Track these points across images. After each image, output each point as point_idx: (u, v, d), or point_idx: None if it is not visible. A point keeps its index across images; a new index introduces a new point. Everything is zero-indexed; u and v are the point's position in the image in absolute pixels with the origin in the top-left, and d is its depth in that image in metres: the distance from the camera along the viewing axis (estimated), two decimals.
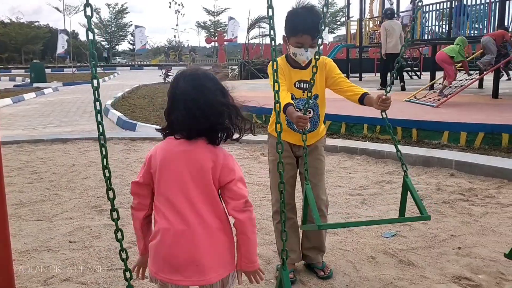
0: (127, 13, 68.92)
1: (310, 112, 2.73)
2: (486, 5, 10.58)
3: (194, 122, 1.65)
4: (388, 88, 2.37)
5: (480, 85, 12.68)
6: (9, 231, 1.77)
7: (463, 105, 8.90)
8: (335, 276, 2.83)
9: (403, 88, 12.25)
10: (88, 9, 1.46)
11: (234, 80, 22.14)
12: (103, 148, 1.52)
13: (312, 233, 2.87)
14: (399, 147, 2.45)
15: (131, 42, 65.70)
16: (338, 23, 59.98)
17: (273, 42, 1.70)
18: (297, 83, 2.75)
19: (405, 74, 18.72)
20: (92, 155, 6.38)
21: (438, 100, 9.02)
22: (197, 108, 1.66)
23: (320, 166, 2.87)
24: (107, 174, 1.53)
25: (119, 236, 1.55)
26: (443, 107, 8.58)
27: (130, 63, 60.62)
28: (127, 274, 1.56)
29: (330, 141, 6.27)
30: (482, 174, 4.78)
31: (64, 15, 44.92)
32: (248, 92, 13.36)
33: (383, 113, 2.43)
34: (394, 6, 16.73)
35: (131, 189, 1.75)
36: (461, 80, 10.13)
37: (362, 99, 2.63)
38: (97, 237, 3.44)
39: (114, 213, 1.54)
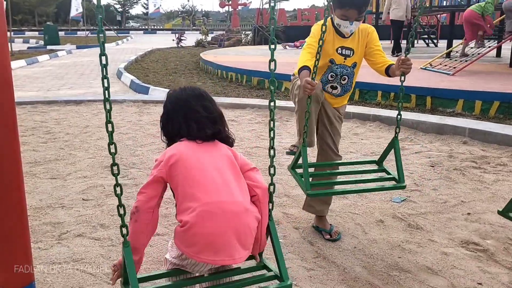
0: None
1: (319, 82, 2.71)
2: None
3: (211, 127, 1.81)
4: (406, 52, 2.35)
5: (498, 54, 12.43)
6: (24, 187, 1.81)
7: (479, 73, 8.74)
8: (344, 238, 2.86)
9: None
10: None
11: (247, 45, 21.94)
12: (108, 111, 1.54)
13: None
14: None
15: (144, 6, 65.12)
16: None
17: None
18: (339, 49, 2.72)
19: (421, 41, 18.45)
20: (105, 116, 6.41)
21: (454, 68, 8.87)
22: (210, 113, 1.83)
23: (336, 130, 2.89)
24: (110, 129, 1.55)
25: (118, 191, 1.56)
26: (459, 75, 8.44)
27: (143, 27, 60.22)
28: (124, 230, 1.58)
29: None
30: (496, 142, 4.74)
31: None
32: (261, 58, 13.26)
33: (402, 77, 2.40)
34: None
35: (147, 191, 1.69)
36: (478, 48, 9.93)
37: (388, 70, 2.64)
38: (109, 195, 3.49)
39: (115, 168, 1.54)
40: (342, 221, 3.11)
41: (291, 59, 12.05)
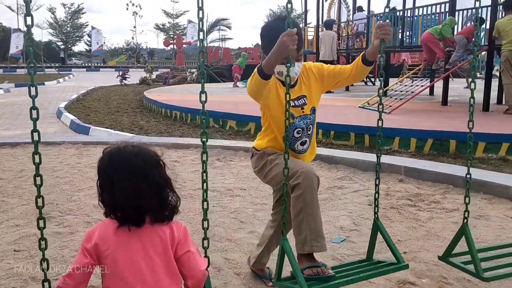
0: (83, 13, 67.50)
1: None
2: (437, 14, 10.97)
3: (143, 200, 1.63)
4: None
5: (431, 92, 13.12)
6: None
7: (413, 111, 9.18)
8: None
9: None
10: (29, 19, 1.45)
11: (192, 83, 22.02)
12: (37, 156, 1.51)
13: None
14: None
15: (87, 43, 64.38)
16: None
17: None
18: (292, 102, 2.43)
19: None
20: (42, 159, 6.19)
21: (390, 106, 9.27)
22: (146, 184, 1.63)
23: None
24: (38, 182, 1.52)
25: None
26: (395, 113, 8.83)
27: (86, 64, 59.29)
28: (44, 264, 1.54)
29: None
30: (430, 179, 4.95)
31: (17, 14, 43.47)
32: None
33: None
34: (351, 13, 17.15)
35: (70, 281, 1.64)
36: (411, 86, 10.47)
37: (365, 59, 2.43)
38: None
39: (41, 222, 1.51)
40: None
41: (235, 98, 12.20)
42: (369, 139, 7.09)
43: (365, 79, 18.88)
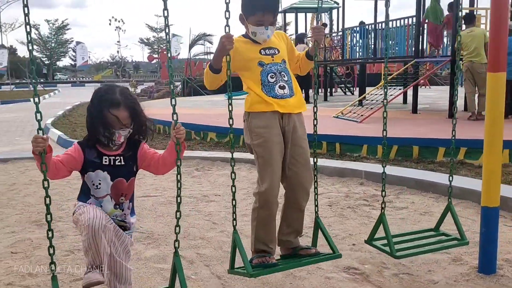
0: (68, 29, 67.74)
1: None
2: (405, 27, 11.63)
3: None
4: (315, 96, 2.84)
5: (404, 101, 13.75)
6: None
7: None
8: None
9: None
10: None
11: (177, 96, 22.48)
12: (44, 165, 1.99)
13: (293, 217, 2.97)
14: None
15: (72, 58, 64.57)
16: None
17: None
18: (262, 50, 2.76)
19: (339, 90, 19.84)
20: (32, 173, 6.62)
21: (362, 115, 9.82)
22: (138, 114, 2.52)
23: (306, 146, 2.88)
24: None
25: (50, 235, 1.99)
26: (366, 122, 9.38)
27: (71, 79, 59.50)
28: (52, 266, 2.00)
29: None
30: (387, 182, 5.45)
31: (0, 32, 43.75)
32: (189, 110, 13.79)
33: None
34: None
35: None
36: (381, 95, 11.00)
37: (308, 54, 2.88)
38: (37, 247, 3.79)
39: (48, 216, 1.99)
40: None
41: (218, 110, 12.69)
42: (340, 146, 7.63)
43: (343, 89, 19.55)
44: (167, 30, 2.31)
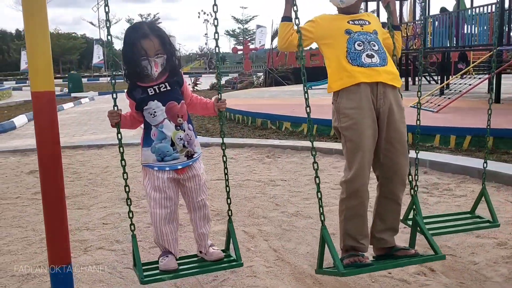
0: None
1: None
2: (488, 14, 11.24)
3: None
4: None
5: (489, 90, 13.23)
6: (66, 214, 2.70)
7: (462, 110, 9.58)
8: (300, 246, 3.70)
9: None
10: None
11: (259, 87, 23.11)
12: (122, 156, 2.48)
13: (387, 210, 2.76)
14: None
15: None
16: None
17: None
18: (350, 21, 2.57)
19: (423, 79, 19.35)
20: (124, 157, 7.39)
21: (438, 105, 9.71)
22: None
23: (404, 130, 2.64)
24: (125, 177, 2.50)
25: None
26: (443, 112, 9.31)
27: None
28: (130, 214, 2.50)
29: (326, 144, 7.15)
30: (450, 171, 5.56)
31: (99, 28, 46.89)
32: (268, 100, 14.29)
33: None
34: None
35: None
36: (460, 84, 10.76)
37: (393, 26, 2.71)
38: (124, 220, 4.41)
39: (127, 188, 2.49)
40: (303, 234, 3.96)
41: (294, 100, 13.03)
42: (412, 137, 7.69)
43: (427, 78, 19.05)
44: (215, 23, 2.69)
